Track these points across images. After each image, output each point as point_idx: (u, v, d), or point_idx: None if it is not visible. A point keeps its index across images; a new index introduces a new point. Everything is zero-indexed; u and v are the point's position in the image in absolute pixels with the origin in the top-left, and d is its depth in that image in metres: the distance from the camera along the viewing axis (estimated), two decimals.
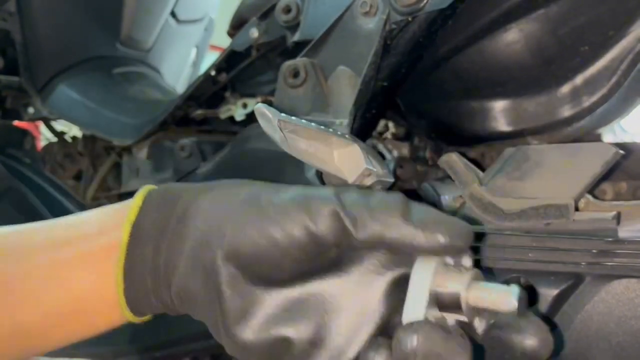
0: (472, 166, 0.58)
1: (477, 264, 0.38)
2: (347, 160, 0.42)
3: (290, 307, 0.36)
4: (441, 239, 0.34)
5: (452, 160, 0.59)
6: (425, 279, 0.34)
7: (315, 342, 0.35)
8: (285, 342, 0.35)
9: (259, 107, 0.41)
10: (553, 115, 0.63)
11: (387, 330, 0.36)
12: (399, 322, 0.35)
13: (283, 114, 0.41)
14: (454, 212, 0.59)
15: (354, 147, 0.42)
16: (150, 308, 0.39)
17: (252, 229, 0.35)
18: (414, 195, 0.75)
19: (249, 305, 0.35)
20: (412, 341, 0.32)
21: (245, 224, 0.35)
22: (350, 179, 0.43)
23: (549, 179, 0.53)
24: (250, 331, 0.35)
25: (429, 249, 0.34)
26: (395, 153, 0.79)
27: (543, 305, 0.50)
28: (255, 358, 0.36)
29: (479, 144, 0.69)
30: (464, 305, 0.34)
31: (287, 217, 0.35)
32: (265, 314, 0.35)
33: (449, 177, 0.60)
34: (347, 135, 0.43)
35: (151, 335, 0.90)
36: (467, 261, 0.36)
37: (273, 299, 0.36)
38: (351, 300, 0.36)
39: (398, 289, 0.36)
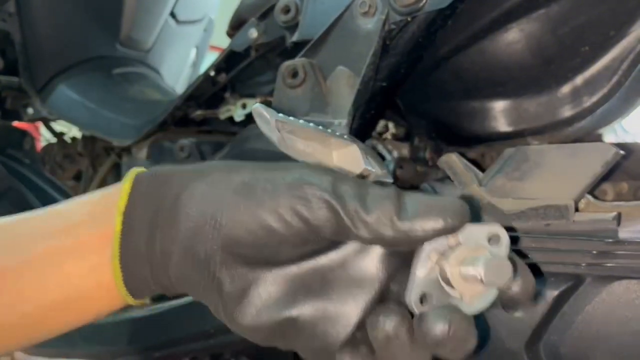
0: (472, 167, 0.58)
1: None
2: (346, 160, 0.42)
3: (290, 284, 0.36)
4: (435, 225, 0.34)
5: (452, 160, 0.59)
6: (425, 259, 0.35)
7: (319, 314, 0.36)
8: (289, 320, 0.36)
9: (257, 108, 0.41)
10: (553, 115, 0.63)
11: (386, 296, 0.37)
12: (396, 291, 0.37)
13: (281, 114, 0.41)
14: None
15: (353, 148, 0.41)
16: (150, 292, 0.40)
17: (248, 217, 0.35)
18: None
19: (248, 289, 0.36)
20: (444, 326, 0.33)
21: (241, 213, 0.35)
22: None
23: (549, 180, 0.53)
24: (251, 316, 0.36)
25: (427, 238, 0.35)
26: (395, 153, 0.79)
27: (543, 306, 0.49)
28: (261, 338, 0.37)
29: (478, 144, 0.69)
30: (452, 282, 0.35)
31: (281, 205, 0.35)
32: (265, 296, 0.36)
33: (448, 177, 0.60)
34: (346, 136, 0.43)
35: (151, 335, 0.89)
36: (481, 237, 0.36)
37: (272, 279, 0.36)
38: (350, 268, 0.37)
39: (395, 256, 0.37)
